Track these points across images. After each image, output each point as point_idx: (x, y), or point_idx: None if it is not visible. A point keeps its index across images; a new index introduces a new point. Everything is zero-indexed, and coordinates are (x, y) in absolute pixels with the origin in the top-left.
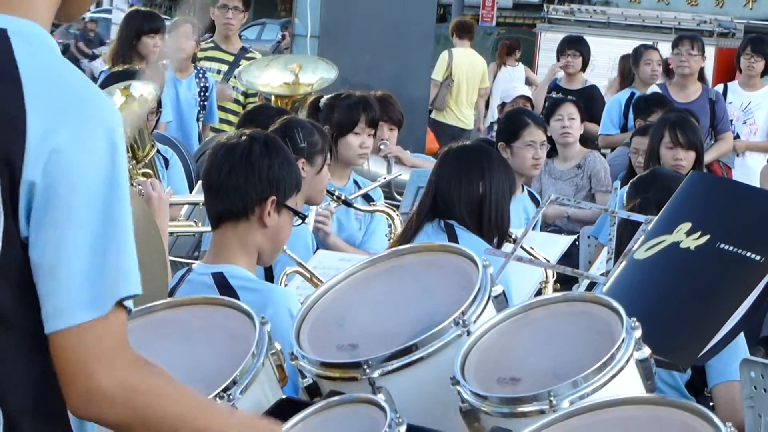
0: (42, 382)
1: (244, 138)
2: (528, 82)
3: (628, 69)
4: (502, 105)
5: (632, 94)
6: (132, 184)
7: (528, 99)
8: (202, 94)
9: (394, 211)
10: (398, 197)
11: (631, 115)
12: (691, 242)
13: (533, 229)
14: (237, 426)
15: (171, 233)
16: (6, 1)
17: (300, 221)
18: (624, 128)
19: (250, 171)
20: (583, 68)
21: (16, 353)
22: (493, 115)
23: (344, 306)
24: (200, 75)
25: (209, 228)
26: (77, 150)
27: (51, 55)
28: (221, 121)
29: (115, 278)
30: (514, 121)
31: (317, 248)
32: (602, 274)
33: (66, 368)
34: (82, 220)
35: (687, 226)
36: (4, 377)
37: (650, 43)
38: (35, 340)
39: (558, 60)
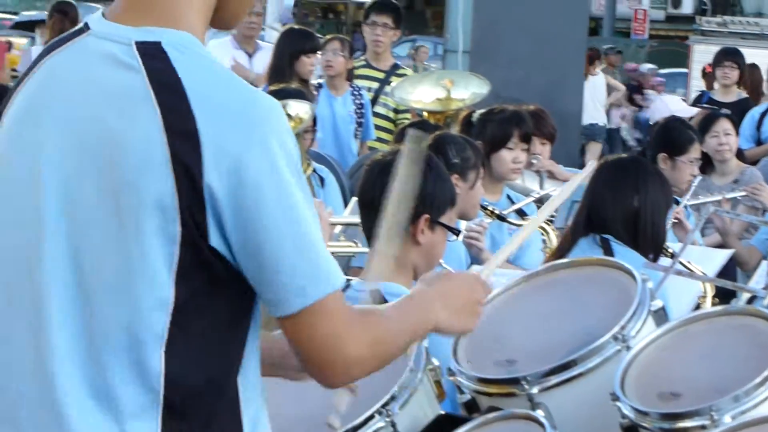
0: (217, 385)
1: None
2: (610, 89)
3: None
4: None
5: None
6: None
7: None
8: (357, 111)
9: (549, 225)
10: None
11: (763, 128)
12: None
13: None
14: (425, 312)
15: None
16: (155, 13)
17: (454, 237)
18: (759, 142)
19: None
20: (740, 81)
21: (192, 350)
22: None
23: (501, 321)
24: (356, 92)
25: (367, 249)
26: (254, 155)
27: (206, 62)
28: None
29: (325, 274)
30: (682, 134)
31: (471, 263)
32: (764, 288)
33: (313, 351)
34: (279, 224)
35: None
36: (178, 370)
37: None
38: (217, 342)
39: (714, 72)
